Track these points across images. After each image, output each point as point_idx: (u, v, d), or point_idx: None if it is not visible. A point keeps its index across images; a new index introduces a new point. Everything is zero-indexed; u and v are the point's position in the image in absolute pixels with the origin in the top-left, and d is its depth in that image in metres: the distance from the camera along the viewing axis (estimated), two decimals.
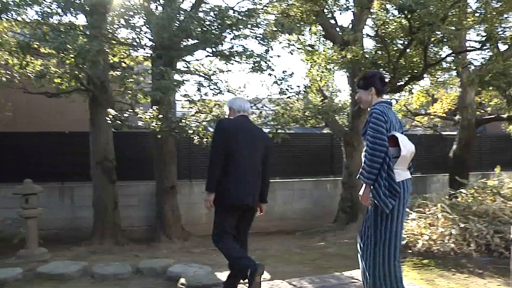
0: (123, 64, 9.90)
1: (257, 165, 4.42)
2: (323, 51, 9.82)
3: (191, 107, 8.94)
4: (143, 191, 10.68)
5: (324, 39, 10.28)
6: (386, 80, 4.08)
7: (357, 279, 4.56)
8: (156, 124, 7.60)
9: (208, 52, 7.52)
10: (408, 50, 9.30)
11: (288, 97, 8.01)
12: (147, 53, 8.95)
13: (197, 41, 7.51)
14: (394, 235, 3.61)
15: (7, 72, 8.78)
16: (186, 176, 10.81)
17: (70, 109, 11.06)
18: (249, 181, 4.33)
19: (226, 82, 7.69)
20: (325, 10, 10.01)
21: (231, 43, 7.17)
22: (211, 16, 7.30)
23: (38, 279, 6.40)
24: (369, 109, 3.71)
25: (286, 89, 7.67)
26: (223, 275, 5.17)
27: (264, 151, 4.49)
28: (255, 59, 6.94)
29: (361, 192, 3.58)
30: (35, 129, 10.99)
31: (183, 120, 7.78)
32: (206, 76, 7.97)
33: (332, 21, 10.25)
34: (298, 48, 10.52)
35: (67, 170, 10.57)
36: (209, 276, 5.99)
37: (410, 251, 6.55)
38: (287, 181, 11.79)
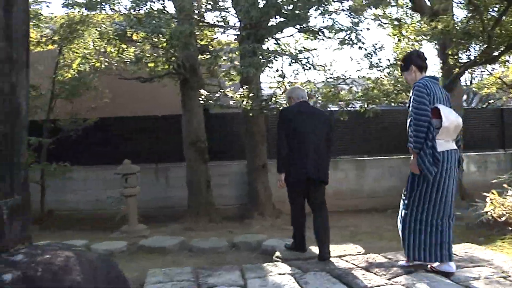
0: (210, 47, 10.14)
1: (319, 143, 5.00)
2: (411, 23, 9.45)
3: (279, 87, 9.00)
4: (234, 171, 10.95)
5: (412, 11, 9.89)
6: (426, 56, 4.25)
7: (455, 254, 4.43)
8: (247, 103, 7.73)
9: (296, 29, 7.50)
10: (504, 18, 8.73)
11: (379, 71, 7.83)
12: (235, 34, 9.10)
13: (284, 18, 7.54)
14: (427, 201, 3.92)
15: (105, 60, 9.30)
16: (274, 155, 10.92)
17: (161, 93, 11.50)
18: (311, 157, 4.92)
19: (313, 58, 7.56)
20: None
21: (321, 17, 7.08)
22: None
23: (141, 251, 6.82)
24: None
25: (376, 63, 7.52)
26: (315, 250, 5.25)
27: (327, 130, 5.11)
28: (346, 32, 6.84)
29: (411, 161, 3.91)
30: (130, 114, 11.54)
31: (273, 98, 7.85)
32: (292, 55, 7.98)
33: None
34: (384, 23, 10.20)
35: (161, 152, 11.05)
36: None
37: (510, 228, 6.27)
38: (376, 158, 11.58)
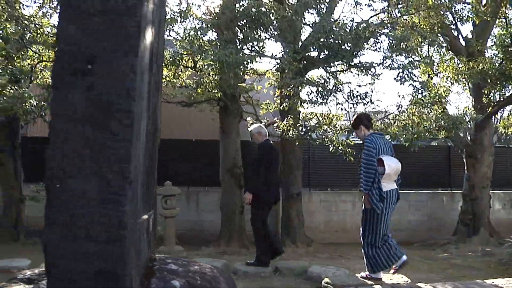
0: (247, 76, 10.43)
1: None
2: (449, 62, 9.79)
3: (311, 118, 9.25)
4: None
5: (447, 50, 10.25)
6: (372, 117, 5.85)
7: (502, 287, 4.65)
8: (293, 133, 7.96)
9: (345, 63, 7.79)
10: None
11: (425, 107, 8.10)
12: (276, 63, 9.41)
13: (330, 52, 7.84)
14: (379, 227, 5.16)
15: None
16: (305, 185, 11.12)
17: (194, 118, 11.73)
18: (277, 184, 6.82)
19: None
20: (447, 21, 10.00)
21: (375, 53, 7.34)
22: (346, 29, 7.57)
23: None
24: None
25: (421, 100, 7.80)
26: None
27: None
28: (399, 70, 7.14)
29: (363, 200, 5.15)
30: (164, 137, 11.72)
31: (317, 129, 8.10)
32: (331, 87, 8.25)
33: (455, 33, 10.22)
34: (416, 60, 10.54)
35: (192, 176, 11.23)
36: (351, 277, 6.19)
37: None
38: (403, 192, 11.73)
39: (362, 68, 7.65)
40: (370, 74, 7.75)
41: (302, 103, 7.21)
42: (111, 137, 2.10)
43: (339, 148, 8.23)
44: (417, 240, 11.02)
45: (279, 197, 7.02)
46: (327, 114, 8.72)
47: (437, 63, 9.88)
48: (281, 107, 8.49)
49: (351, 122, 5.83)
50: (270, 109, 9.93)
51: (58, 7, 2.11)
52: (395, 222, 11.49)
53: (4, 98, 4.89)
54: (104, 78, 2.13)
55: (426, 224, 11.57)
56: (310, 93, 7.03)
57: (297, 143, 8.52)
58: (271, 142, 6.83)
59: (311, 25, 8.43)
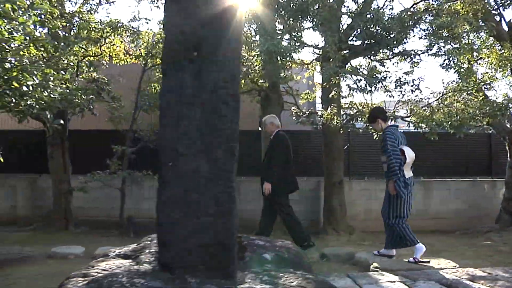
0: (294, 65, 10.53)
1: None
2: (491, 48, 9.70)
3: (350, 107, 9.32)
4: (304, 187, 11.21)
5: (488, 36, 10.13)
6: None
7: None
8: (337, 121, 8.05)
9: (388, 51, 7.82)
10: None
11: (468, 94, 8.08)
12: (316, 53, 9.49)
13: (373, 41, 7.88)
14: (403, 210, 5.73)
15: None
16: (345, 174, 11.20)
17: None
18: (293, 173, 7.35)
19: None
20: (489, 7, 9.89)
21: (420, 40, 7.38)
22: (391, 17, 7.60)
23: None
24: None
25: (466, 86, 7.78)
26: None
27: None
28: (445, 57, 7.15)
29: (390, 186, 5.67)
30: None
31: (359, 118, 8.17)
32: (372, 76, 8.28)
33: (498, 18, 10.10)
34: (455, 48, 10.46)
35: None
36: (399, 262, 6.28)
37: None
38: (444, 180, 11.74)
39: (406, 56, 7.67)
40: (413, 62, 7.76)
41: (352, 91, 7.29)
42: (219, 119, 2.27)
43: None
44: (458, 228, 10.99)
45: (297, 186, 7.47)
46: (366, 103, 8.79)
47: (477, 49, 9.77)
48: (330, 96, 8.56)
49: (368, 116, 6.24)
50: (310, 99, 10.01)
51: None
52: (435, 211, 11.57)
53: (56, 93, 5.12)
54: (210, 64, 2.29)
55: (467, 212, 11.51)
56: (359, 81, 7.09)
57: (341, 131, 8.60)
58: (283, 132, 7.22)
59: (351, 13, 8.47)
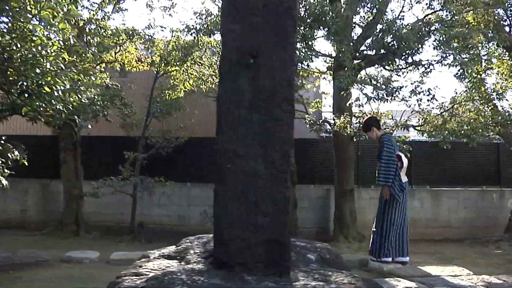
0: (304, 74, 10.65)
1: None
2: (500, 58, 9.82)
3: (360, 116, 9.42)
4: (313, 194, 11.31)
5: (497, 47, 10.25)
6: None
7: None
8: (350, 130, 8.16)
9: (402, 60, 7.94)
10: None
11: (482, 104, 8.20)
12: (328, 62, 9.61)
13: (387, 51, 8.00)
14: (396, 217, 5.86)
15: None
16: (355, 182, 11.30)
17: None
18: None
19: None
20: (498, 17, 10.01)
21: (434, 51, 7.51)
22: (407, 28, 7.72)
23: None
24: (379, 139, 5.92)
25: (479, 96, 7.90)
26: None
27: None
28: (459, 67, 7.26)
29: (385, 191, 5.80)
30: (203, 135, 11.98)
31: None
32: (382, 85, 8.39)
33: (507, 29, 10.22)
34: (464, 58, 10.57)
35: None
36: (413, 268, 6.36)
37: None
38: (452, 189, 11.82)
39: (420, 65, 7.79)
40: (425, 72, 7.88)
41: (369, 100, 7.39)
42: (275, 122, 2.36)
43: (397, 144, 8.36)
44: (467, 237, 11.06)
45: None
46: (376, 112, 8.90)
47: (487, 60, 9.89)
48: (347, 104, 8.66)
49: (362, 125, 6.53)
50: (320, 107, 10.12)
51: (221, 8, 2.36)
52: (445, 219, 11.65)
53: (85, 98, 5.24)
54: (266, 70, 2.39)
55: (475, 221, 11.58)
56: (375, 90, 7.21)
57: (355, 140, 8.70)
58: None
59: (365, 23, 8.60)
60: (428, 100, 7.38)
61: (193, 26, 9.09)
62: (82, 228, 10.49)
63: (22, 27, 4.09)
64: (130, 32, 9.20)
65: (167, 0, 9.97)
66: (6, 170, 5.79)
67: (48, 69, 4.34)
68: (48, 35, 4.25)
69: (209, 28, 8.59)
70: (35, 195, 11.61)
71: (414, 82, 7.45)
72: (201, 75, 9.54)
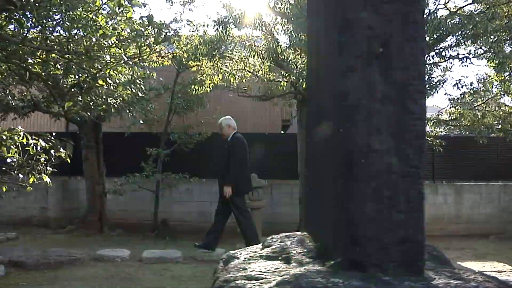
0: None
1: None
2: None
3: None
4: None
5: None
6: None
7: None
8: None
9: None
10: None
11: None
12: None
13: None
14: None
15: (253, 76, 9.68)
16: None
17: (261, 112, 11.91)
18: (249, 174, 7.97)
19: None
20: None
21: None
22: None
23: None
24: None
25: None
26: None
27: None
28: (501, 59, 7.18)
29: None
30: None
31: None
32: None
33: None
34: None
35: (264, 168, 11.39)
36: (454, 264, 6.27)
37: None
38: (475, 184, 11.77)
39: (457, 59, 7.71)
40: (462, 65, 7.81)
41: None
42: (409, 116, 2.25)
43: (429, 139, 8.30)
44: (490, 233, 11.03)
45: (252, 188, 8.11)
46: None
47: None
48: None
49: None
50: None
51: None
52: (467, 215, 11.58)
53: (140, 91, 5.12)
54: (397, 61, 2.27)
55: (499, 217, 11.56)
56: None
57: None
58: (240, 134, 7.53)
59: None
60: (470, 94, 7.28)
61: (220, 19, 8.95)
62: (105, 226, 10.37)
63: (85, 18, 3.95)
64: (158, 26, 9.01)
65: None
66: (49, 168, 5.66)
67: (107, 62, 4.21)
68: (114, 25, 4.12)
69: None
70: (55, 192, 11.47)
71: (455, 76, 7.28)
72: (231, 70, 9.41)
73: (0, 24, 4.14)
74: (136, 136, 11.59)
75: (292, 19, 8.33)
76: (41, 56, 4.79)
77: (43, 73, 4.91)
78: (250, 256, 3.10)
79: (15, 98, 8.35)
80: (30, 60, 4.70)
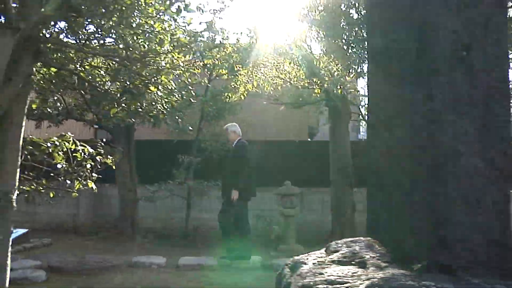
0: None
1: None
2: None
3: None
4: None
5: None
6: None
7: None
8: None
9: None
10: None
11: None
12: None
13: None
14: None
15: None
16: None
17: (288, 120, 11.93)
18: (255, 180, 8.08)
19: None
20: None
21: None
22: None
23: None
24: None
25: None
26: None
27: None
28: None
29: None
30: (260, 137, 11.98)
31: None
32: None
33: None
34: None
35: (293, 176, 11.38)
36: None
37: None
38: None
39: None
40: None
41: None
42: (494, 119, 2.26)
43: None
44: None
45: (255, 194, 8.11)
46: None
47: None
48: None
49: None
50: None
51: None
52: None
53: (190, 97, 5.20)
54: (481, 64, 2.29)
55: None
56: None
57: None
58: (244, 140, 7.76)
59: None
60: None
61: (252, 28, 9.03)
62: (137, 233, 10.45)
63: (143, 23, 4.03)
64: (195, 35, 9.12)
65: (218, 3, 9.80)
66: (94, 174, 5.74)
67: (162, 67, 4.28)
68: (173, 30, 4.19)
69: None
70: (86, 199, 11.60)
71: None
72: (266, 77, 9.46)
73: (58, 31, 4.24)
74: (165, 143, 11.71)
75: (323, 26, 8.38)
76: (91, 63, 4.88)
77: (90, 79, 4.98)
78: (320, 261, 3.10)
79: (51, 106, 8.49)
80: (79, 68, 4.78)
